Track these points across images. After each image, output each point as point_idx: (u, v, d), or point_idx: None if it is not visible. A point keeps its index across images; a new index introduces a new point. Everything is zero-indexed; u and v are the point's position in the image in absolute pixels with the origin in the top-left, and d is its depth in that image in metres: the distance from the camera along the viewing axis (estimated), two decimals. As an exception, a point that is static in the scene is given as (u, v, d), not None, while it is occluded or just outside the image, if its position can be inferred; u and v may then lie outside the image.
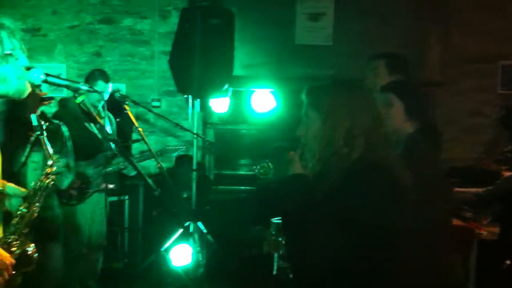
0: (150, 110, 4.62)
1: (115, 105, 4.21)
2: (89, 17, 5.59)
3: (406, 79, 2.99)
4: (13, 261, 1.84)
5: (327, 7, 5.61)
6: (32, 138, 2.94)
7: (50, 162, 2.18)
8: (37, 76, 2.15)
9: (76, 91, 2.30)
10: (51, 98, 3.24)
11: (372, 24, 5.37)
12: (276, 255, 2.62)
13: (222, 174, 5.39)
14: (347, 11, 5.49)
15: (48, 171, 2.15)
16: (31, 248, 1.98)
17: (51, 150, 2.18)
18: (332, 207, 1.65)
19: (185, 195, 4.89)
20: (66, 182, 3.53)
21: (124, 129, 4.87)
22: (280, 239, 2.63)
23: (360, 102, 1.80)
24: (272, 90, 5.33)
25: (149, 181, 2.37)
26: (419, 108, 2.60)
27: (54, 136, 3.14)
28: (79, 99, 2.35)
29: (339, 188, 1.68)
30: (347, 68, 5.15)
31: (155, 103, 5.60)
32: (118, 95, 3.99)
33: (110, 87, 4.00)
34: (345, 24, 5.46)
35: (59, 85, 2.24)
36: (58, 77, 2.23)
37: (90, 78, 4.02)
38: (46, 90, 3.27)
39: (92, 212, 4.00)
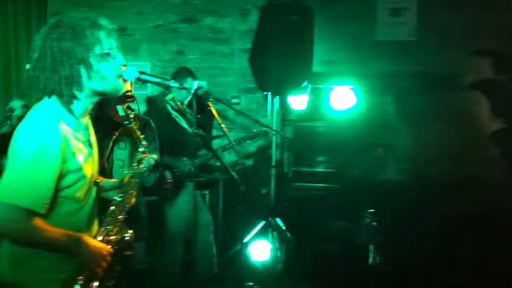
0: (230, 107, 4.70)
1: (197, 101, 4.35)
2: (172, 17, 5.76)
3: (497, 78, 2.87)
4: (111, 249, 1.92)
5: (409, 1, 5.45)
6: (114, 136, 3.07)
7: (141, 149, 2.28)
8: (131, 74, 2.24)
9: (167, 88, 2.39)
10: (132, 97, 3.36)
11: (459, 17, 5.15)
12: (371, 246, 2.60)
13: (300, 171, 5.38)
14: (431, 4, 5.30)
15: (140, 158, 2.24)
16: (128, 234, 2.07)
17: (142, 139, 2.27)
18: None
19: (263, 191, 4.93)
20: (151, 179, 3.67)
21: (205, 125, 4.98)
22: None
23: None
24: (352, 87, 5.25)
25: (235, 175, 2.41)
26: (507, 106, 2.49)
27: (144, 127, 3.25)
28: (169, 96, 2.44)
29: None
30: (432, 63, 4.98)
31: (235, 100, 5.67)
32: (201, 92, 4.11)
33: (195, 84, 4.13)
34: (429, 18, 5.28)
35: (151, 82, 2.33)
36: (150, 74, 2.31)
37: (178, 76, 4.17)
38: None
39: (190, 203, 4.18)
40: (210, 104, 3.88)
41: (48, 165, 1.76)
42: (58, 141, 1.80)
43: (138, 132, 2.36)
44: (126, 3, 5.76)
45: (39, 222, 1.77)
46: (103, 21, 2.11)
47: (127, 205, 2.12)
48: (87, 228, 1.98)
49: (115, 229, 2.02)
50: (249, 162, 5.33)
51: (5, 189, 1.74)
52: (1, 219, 1.74)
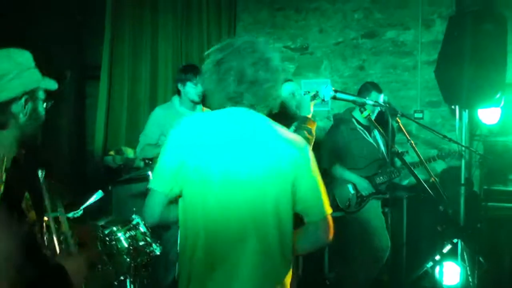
0: (415, 121, 4.53)
1: (380, 116, 4.31)
2: (353, 33, 5.78)
3: None
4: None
5: None
6: None
7: None
8: (328, 91, 2.30)
9: (362, 105, 2.41)
10: None
11: None
12: None
13: (491, 189, 4.98)
14: None
15: None
16: None
17: None
18: None
19: (441, 209, 4.67)
20: None
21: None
22: None
23: None
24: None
25: (433, 195, 2.32)
26: None
27: None
28: (365, 113, 2.45)
29: None
30: None
31: (418, 115, 5.48)
32: (387, 107, 4.05)
33: (381, 98, 4.11)
34: None
35: (346, 100, 2.37)
36: (345, 92, 2.34)
37: (363, 90, 4.19)
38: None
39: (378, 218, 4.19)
40: (399, 120, 3.80)
41: None
42: None
43: None
44: (309, 22, 5.92)
45: None
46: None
47: None
48: None
49: None
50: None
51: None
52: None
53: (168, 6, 5.53)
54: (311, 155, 1.94)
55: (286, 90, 3.17)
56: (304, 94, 2.85)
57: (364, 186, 4.19)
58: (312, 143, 2.65)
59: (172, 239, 3.65)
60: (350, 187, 4.24)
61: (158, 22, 5.49)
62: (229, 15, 5.95)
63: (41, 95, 1.70)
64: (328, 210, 1.95)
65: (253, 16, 6.09)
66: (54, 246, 1.68)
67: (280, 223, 1.86)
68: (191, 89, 4.10)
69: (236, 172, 1.84)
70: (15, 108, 1.64)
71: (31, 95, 1.66)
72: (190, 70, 4.14)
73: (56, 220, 1.73)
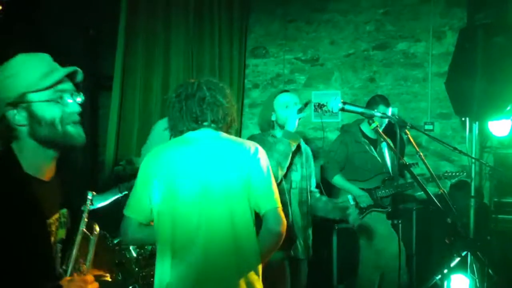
0: (425, 133, 4.53)
1: (390, 128, 4.32)
2: (364, 44, 5.81)
3: None
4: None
5: None
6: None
7: None
8: (336, 103, 2.34)
9: (370, 117, 2.44)
10: None
11: None
12: None
13: (502, 202, 4.96)
14: None
15: None
16: None
17: None
18: None
19: (449, 221, 4.65)
20: None
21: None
22: None
23: None
24: None
25: (440, 207, 2.34)
26: None
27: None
28: (373, 125, 2.47)
29: None
30: None
31: (428, 126, 5.49)
32: (395, 119, 4.07)
33: (389, 111, 4.13)
34: None
35: (354, 112, 2.40)
36: (353, 104, 2.37)
37: (372, 103, 4.22)
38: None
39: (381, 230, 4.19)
40: (408, 133, 3.82)
41: None
42: None
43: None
44: (320, 34, 5.96)
45: None
46: None
47: None
48: None
49: None
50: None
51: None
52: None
53: (180, 19, 5.60)
54: (261, 153, 2.27)
55: (280, 102, 3.13)
56: (316, 107, 2.92)
57: (363, 199, 4.21)
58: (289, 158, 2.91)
59: None
60: (350, 198, 4.25)
61: (171, 34, 5.55)
62: (241, 26, 6.00)
63: (32, 97, 1.56)
64: (278, 203, 2.24)
65: (264, 27, 6.14)
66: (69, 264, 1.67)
67: (234, 218, 2.17)
68: None
69: (199, 180, 2.16)
70: (11, 120, 1.57)
71: (14, 104, 1.56)
72: None
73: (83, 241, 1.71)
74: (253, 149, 2.25)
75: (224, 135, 2.30)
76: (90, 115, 5.63)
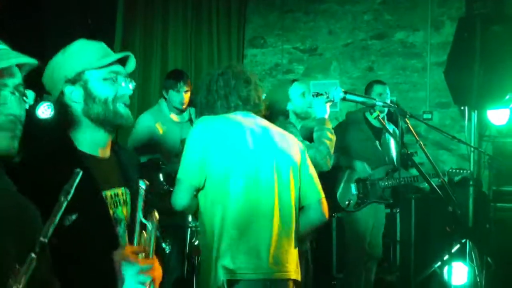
0: (424, 122, 4.55)
1: (389, 116, 4.33)
2: (362, 34, 5.80)
3: None
4: None
5: None
6: None
7: None
8: (337, 93, 2.34)
9: (372, 106, 2.44)
10: None
11: None
12: None
13: (501, 190, 4.99)
14: None
15: None
16: None
17: None
18: None
19: (450, 209, 4.67)
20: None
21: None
22: None
23: None
24: None
25: (442, 195, 2.35)
26: None
27: None
28: (375, 114, 2.48)
29: None
30: None
31: (427, 116, 5.48)
32: (395, 107, 4.08)
33: (387, 90, 4.19)
34: None
35: (356, 102, 2.41)
36: (355, 94, 2.38)
37: (368, 89, 4.24)
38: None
39: (371, 222, 4.18)
40: (407, 121, 3.83)
41: None
42: None
43: None
44: (318, 24, 5.94)
45: None
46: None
47: None
48: None
49: None
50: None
51: None
52: None
53: (178, 9, 5.57)
54: (304, 146, 2.41)
55: (295, 91, 3.13)
56: (314, 96, 2.89)
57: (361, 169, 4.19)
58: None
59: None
60: (353, 187, 4.21)
61: (169, 25, 5.53)
62: (239, 16, 5.99)
63: (89, 75, 1.67)
64: (322, 193, 2.35)
65: (262, 18, 6.13)
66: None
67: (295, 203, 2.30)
68: (174, 97, 4.05)
69: (255, 166, 2.21)
70: (68, 96, 1.68)
71: (73, 81, 1.66)
72: (173, 77, 4.09)
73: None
74: (300, 143, 2.41)
75: (266, 122, 2.38)
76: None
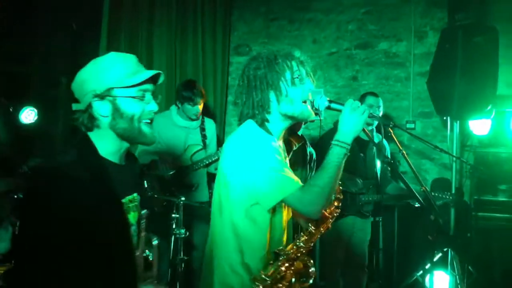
0: (408, 132, 4.57)
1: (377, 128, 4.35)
2: (346, 43, 5.84)
3: None
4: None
5: None
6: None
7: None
8: (322, 101, 2.35)
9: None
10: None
11: None
12: None
13: (482, 200, 5.05)
14: None
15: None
16: (311, 264, 2.15)
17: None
18: None
19: (432, 218, 4.70)
20: None
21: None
22: None
23: None
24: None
25: (423, 204, 2.37)
26: None
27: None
28: (362, 124, 2.48)
29: None
30: None
31: (410, 125, 5.53)
32: (378, 118, 4.09)
33: (380, 102, 4.22)
34: None
35: (340, 111, 2.40)
36: (339, 102, 2.38)
37: (361, 99, 4.24)
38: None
39: (349, 232, 4.19)
40: (391, 131, 3.84)
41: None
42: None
43: None
44: (302, 33, 5.99)
45: None
46: (296, 52, 2.26)
47: (318, 236, 2.21)
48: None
49: (302, 255, 2.12)
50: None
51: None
52: None
53: (163, 14, 5.54)
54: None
55: None
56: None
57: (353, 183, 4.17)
58: None
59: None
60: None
61: (154, 30, 5.50)
62: (224, 23, 6.00)
63: (119, 93, 1.73)
64: None
65: (248, 25, 6.15)
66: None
67: None
68: (189, 111, 4.19)
69: None
70: (95, 110, 1.74)
71: (102, 96, 1.72)
72: (189, 89, 4.17)
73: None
74: None
75: None
76: (72, 112, 5.55)
